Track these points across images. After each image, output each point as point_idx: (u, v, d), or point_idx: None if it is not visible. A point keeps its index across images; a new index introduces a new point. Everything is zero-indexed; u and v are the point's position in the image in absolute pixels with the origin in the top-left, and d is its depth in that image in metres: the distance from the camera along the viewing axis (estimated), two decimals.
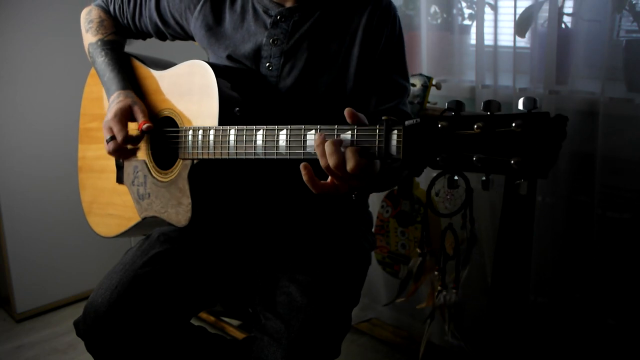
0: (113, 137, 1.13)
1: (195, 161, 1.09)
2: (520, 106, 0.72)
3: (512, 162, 0.71)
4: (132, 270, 1.10)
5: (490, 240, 1.73)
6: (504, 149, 0.72)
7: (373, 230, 1.47)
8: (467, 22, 1.90)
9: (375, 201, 1.84)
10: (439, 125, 0.76)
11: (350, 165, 0.83)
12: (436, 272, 1.60)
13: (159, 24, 1.29)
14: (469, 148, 0.74)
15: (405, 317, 2.00)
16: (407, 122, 0.80)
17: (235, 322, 2.06)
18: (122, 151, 1.15)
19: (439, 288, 1.59)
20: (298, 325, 1.05)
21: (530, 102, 0.72)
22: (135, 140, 1.15)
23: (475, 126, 0.73)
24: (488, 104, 0.74)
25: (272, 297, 1.12)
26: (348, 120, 0.85)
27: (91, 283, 2.15)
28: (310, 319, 1.06)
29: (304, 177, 0.88)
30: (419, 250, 1.67)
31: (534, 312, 1.70)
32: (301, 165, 0.88)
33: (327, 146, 0.84)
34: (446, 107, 0.77)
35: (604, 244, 1.56)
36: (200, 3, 1.20)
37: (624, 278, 1.55)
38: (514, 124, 0.71)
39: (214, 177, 1.12)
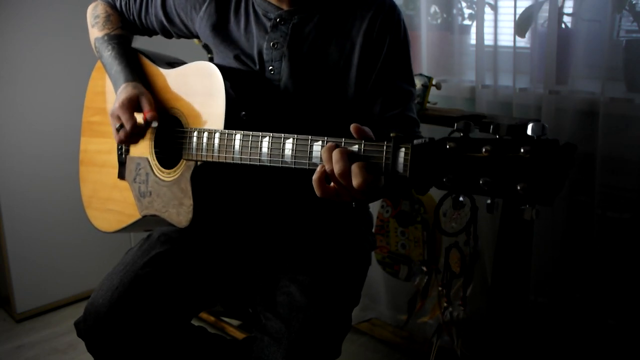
0: (122, 126, 1.13)
1: (199, 163, 1.09)
2: (529, 131, 0.72)
3: (519, 187, 0.71)
4: (133, 270, 1.10)
5: (490, 243, 1.73)
6: (511, 174, 0.72)
7: (373, 230, 1.47)
8: (467, 22, 1.90)
9: (375, 201, 1.84)
10: (447, 146, 0.76)
11: (357, 181, 0.82)
12: (440, 288, 1.60)
13: (165, 22, 1.29)
14: (476, 171, 0.74)
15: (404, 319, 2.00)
16: (415, 141, 0.79)
17: (235, 322, 2.06)
18: (132, 138, 1.15)
19: (445, 304, 1.59)
20: (298, 325, 1.05)
21: (540, 128, 0.72)
22: (143, 128, 1.15)
23: (484, 149, 0.73)
24: (497, 128, 0.74)
25: (273, 297, 1.12)
26: (354, 135, 0.85)
27: (91, 283, 2.16)
28: (311, 319, 1.06)
29: (315, 175, 0.87)
30: (424, 269, 1.67)
31: (534, 312, 1.70)
32: (320, 165, 0.88)
33: (335, 154, 0.84)
34: (455, 128, 0.77)
35: (604, 244, 1.56)
36: (206, 3, 1.20)
37: (624, 278, 1.55)
38: (522, 150, 0.71)
39: (217, 180, 1.12)
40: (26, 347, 1.99)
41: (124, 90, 1.16)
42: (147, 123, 1.13)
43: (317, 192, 0.88)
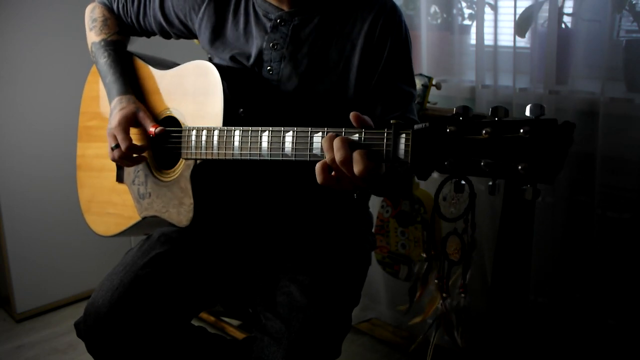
0: (118, 145, 1.14)
1: (198, 161, 1.09)
2: (528, 112, 0.73)
3: (519, 167, 0.72)
4: (133, 271, 1.10)
5: (490, 241, 1.73)
6: (512, 155, 0.73)
7: (373, 230, 1.47)
8: (467, 22, 1.90)
9: (375, 201, 1.84)
10: (448, 130, 0.76)
11: (358, 168, 0.83)
12: (436, 281, 1.60)
13: (164, 23, 1.29)
14: (476, 153, 0.75)
15: (406, 317, 2.00)
16: (415, 126, 0.80)
17: (235, 322, 2.06)
18: (128, 159, 1.17)
19: (444, 295, 1.58)
20: (298, 325, 1.05)
21: (538, 108, 0.72)
22: (139, 149, 1.16)
23: (484, 131, 0.74)
24: (495, 110, 0.75)
25: (273, 297, 1.12)
26: (354, 124, 0.85)
27: (91, 283, 2.16)
28: (311, 319, 1.06)
29: (318, 164, 0.87)
30: (424, 255, 1.67)
31: (534, 312, 1.70)
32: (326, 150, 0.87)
33: (336, 142, 0.84)
34: (454, 112, 0.77)
35: (604, 244, 1.56)
36: (204, 4, 1.20)
37: (624, 278, 1.55)
38: (521, 130, 0.72)
39: (217, 178, 1.12)
40: (26, 347, 2.00)
41: (119, 106, 1.18)
42: (142, 148, 1.16)
43: (319, 179, 0.88)
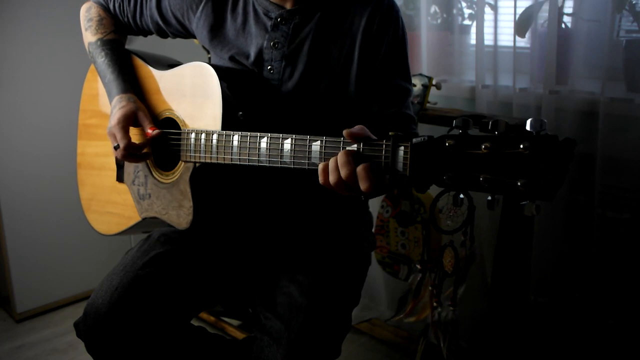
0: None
1: (197, 164, 1.09)
2: (528, 127, 0.72)
3: (519, 183, 0.72)
4: (133, 271, 1.10)
5: (490, 245, 1.73)
6: (511, 170, 0.72)
7: (373, 230, 1.47)
8: (467, 22, 1.90)
9: (375, 201, 1.84)
10: (447, 144, 0.76)
11: (364, 185, 0.84)
12: (430, 288, 1.60)
13: (160, 23, 1.28)
14: (476, 168, 0.74)
15: (401, 321, 2.00)
16: (414, 140, 0.80)
17: (235, 322, 2.06)
18: (132, 156, 1.16)
19: (435, 304, 1.58)
20: (298, 325, 1.05)
21: (538, 123, 0.72)
22: (139, 147, 1.15)
23: (483, 146, 0.73)
24: (495, 124, 0.74)
25: (273, 298, 1.12)
26: (349, 140, 0.86)
27: (91, 283, 2.16)
28: (310, 319, 1.06)
29: (321, 165, 0.88)
30: (419, 267, 1.67)
31: (534, 312, 1.70)
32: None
33: (340, 156, 0.85)
34: (454, 125, 0.77)
35: (604, 244, 1.56)
36: (202, 3, 1.20)
37: (624, 278, 1.55)
38: (521, 146, 0.71)
39: (216, 181, 1.12)
40: (26, 347, 1.99)
41: (118, 105, 1.17)
42: (150, 140, 1.15)
43: (320, 179, 0.89)
